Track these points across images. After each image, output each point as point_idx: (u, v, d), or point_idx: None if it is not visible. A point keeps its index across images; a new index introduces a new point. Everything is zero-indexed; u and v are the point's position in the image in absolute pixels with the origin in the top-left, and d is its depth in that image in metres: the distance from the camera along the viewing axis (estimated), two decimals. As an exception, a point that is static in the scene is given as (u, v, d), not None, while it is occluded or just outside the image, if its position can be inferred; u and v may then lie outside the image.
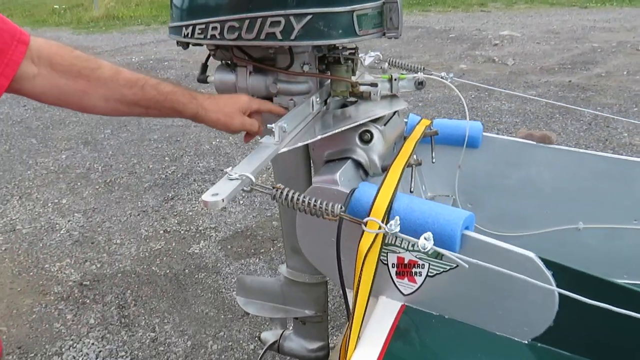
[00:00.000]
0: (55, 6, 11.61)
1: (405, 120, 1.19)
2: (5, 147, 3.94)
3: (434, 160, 1.10)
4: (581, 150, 1.17)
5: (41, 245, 2.63)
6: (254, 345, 1.95)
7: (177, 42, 1.03)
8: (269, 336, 1.37)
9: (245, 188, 0.70)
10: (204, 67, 1.12)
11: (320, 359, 1.33)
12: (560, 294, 0.75)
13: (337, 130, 0.89)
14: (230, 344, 1.98)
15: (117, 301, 2.21)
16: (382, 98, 1.03)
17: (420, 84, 1.07)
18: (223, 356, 1.92)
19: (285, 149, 0.82)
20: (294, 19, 0.85)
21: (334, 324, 1.93)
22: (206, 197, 0.65)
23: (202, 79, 1.12)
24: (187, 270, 2.42)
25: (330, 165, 0.94)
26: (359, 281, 0.80)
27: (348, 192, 0.85)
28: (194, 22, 0.94)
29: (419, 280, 0.86)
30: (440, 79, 1.23)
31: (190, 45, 1.01)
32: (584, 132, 3.77)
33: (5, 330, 2.03)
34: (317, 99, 0.97)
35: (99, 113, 0.86)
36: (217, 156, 3.61)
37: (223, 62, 1.08)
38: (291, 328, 1.37)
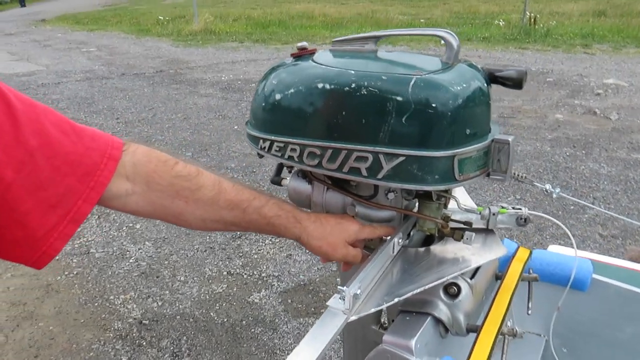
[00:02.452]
0: (160, 17, 12.34)
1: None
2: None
3: (529, 312, 0.93)
4: None
5: (110, 273, 2.68)
6: None
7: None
8: None
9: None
10: (280, 168, 1.04)
11: None
12: None
13: (420, 289, 0.76)
14: (277, 420, 1.87)
15: (172, 347, 2.19)
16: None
17: (523, 221, 0.91)
18: None
19: (355, 317, 0.70)
20: (384, 157, 0.74)
21: None
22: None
23: (276, 181, 1.03)
24: (244, 322, 2.35)
25: (405, 321, 0.80)
26: None
27: (425, 368, 0.71)
28: (272, 137, 0.84)
29: None
30: (545, 192, 1.07)
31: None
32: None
33: (62, 366, 2.06)
34: (400, 240, 0.84)
35: (193, 229, 0.80)
36: (290, 194, 3.56)
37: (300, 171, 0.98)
38: None
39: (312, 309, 2.44)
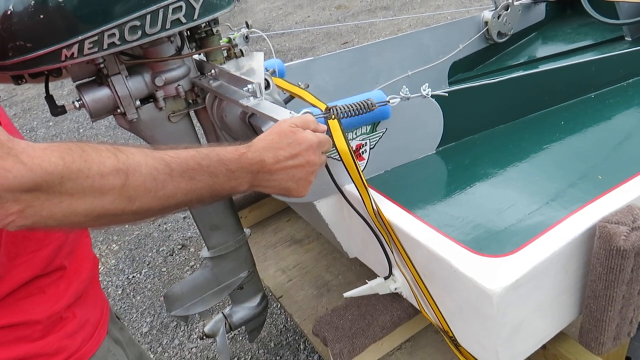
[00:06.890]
0: None
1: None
2: None
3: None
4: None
5: None
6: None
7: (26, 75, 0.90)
8: (213, 325, 1.38)
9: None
10: (51, 98, 1.00)
11: (266, 307, 1.45)
12: (442, 110, 1.19)
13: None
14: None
15: None
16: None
17: (246, 38, 1.27)
18: None
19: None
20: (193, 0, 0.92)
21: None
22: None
23: (60, 110, 1.00)
24: None
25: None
26: (357, 171, 1.01)
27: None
28: (79, 37, 0.85)
29: (366, 155, 1.16)
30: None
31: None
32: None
33: None
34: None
35: None
36: None
37: (85, 80, 1.00)
38: (227, 308, 1.41)
39: None
